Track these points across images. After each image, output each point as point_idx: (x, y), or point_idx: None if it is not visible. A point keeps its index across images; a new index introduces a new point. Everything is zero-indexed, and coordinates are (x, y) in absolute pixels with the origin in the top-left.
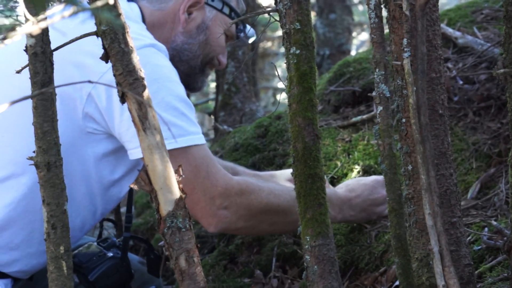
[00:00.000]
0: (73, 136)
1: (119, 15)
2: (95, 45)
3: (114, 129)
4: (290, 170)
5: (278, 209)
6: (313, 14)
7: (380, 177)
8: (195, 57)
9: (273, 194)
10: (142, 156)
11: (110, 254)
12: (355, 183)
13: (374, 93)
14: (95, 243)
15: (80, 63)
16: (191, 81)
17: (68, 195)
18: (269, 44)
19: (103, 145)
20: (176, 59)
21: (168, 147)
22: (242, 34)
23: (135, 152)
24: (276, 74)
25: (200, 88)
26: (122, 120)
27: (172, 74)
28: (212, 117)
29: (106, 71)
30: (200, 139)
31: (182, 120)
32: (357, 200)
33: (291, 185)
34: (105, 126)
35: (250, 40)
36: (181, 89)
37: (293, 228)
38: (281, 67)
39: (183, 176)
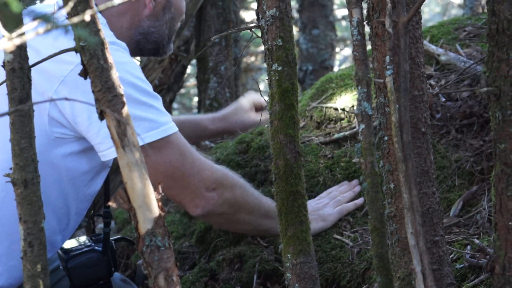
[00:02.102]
0: (41, 140)
1: (97, 31)
2: (54, 49)
3: (83, 132)
4: None
5: (254, 204)
6: (296, 30)
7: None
8: (162, 36)
9: (249, 190)
10: (116, 156)
11: (95, 247)
12: None
13: (356, 111)
14: (86, 237)
15: (41, 68)
16: (159, 51)
17: (42, 198)
18: (252, 59)
19: (73, 147)
20: (143, 41)
21: (148, 140)
22: None
23: (107, 153)
24: (258, 90)
25: (167, 53)
26: (90, 123)
27: (135, 70)
28: None
29: (67, 74)
30: (174, 127)
31: (152, 113)
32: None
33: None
34: (72, 129)
35: None
36: (146, 84)
37: (266, 232)
38: (264, 81)
39: (172, 164)
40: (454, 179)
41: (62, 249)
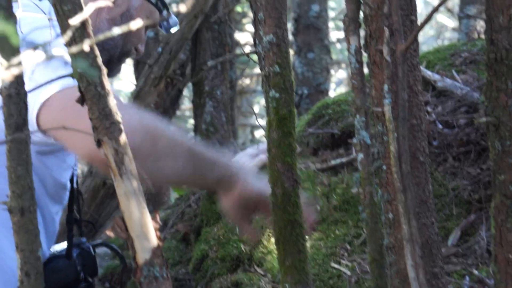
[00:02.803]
0: None
1: (95, 58)
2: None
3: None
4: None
5: (174, 133)
6: (291, 53)
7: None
8: (116, 46)
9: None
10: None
11: (62, 252)
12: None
13: (354, 140)
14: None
15: None
16: (109, 65)
17: None
18: (247, 81)
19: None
20: (99, 48)
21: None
22: (165, 23)
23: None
24: (253, 113)
25: (115, 75)
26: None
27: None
28: None
29: None
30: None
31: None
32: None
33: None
34: None
35: (173, 30)
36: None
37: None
38: (259, 103)
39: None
40: (451, 207)
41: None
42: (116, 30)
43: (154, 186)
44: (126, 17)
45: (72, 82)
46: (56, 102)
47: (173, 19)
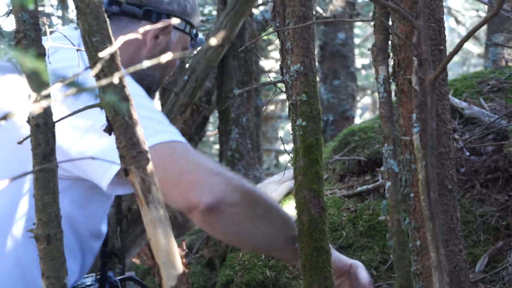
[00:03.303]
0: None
1: (123, 89)
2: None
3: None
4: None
5: (271, 203)
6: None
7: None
8: (155, 81)
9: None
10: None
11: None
12: None
13: (382, 168)
14: (92, 276)
15: None
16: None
17: None
18: (272, 107)
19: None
20: (138, 83)
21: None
22: (193, 43)
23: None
24: (280, 139)
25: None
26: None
27: (138, 89)
28: None
29: None
30: (179, 137)
31: (163, 126)
32: None
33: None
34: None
35: (199, 47)
36: (150, 102)
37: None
38: (284, 129)
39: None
40: (479, 234)
41: None
42: (146, 63)
43: (247, 248)
44: (165, 53)
45: (179, 138)
46: (163, 151)
47: (200, 38)
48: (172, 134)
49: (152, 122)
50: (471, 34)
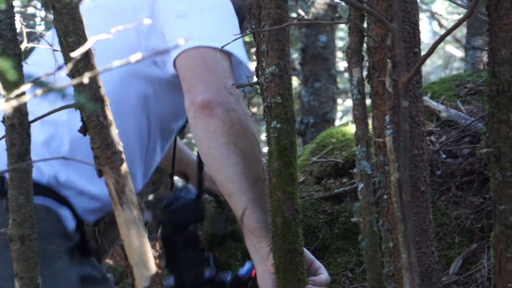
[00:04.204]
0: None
1: (98, 89)
2: None
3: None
4: None
5: (253, 146)
6: (298, 82)
7: None
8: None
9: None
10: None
11: (188, 195)
12: None
13: (355, 170)
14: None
15: None
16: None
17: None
18: (254, 109)
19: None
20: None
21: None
22: None
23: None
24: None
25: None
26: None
27: None
28: None
29: None
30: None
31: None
32: None
33: None
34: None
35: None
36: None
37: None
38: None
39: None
40: (453, 236)
41: (150, 201)
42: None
43: (212, 169)
44: None
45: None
46: (199, 55)
47: None
48: (211, 39)
49: (201, 22)
50: (443, 38)
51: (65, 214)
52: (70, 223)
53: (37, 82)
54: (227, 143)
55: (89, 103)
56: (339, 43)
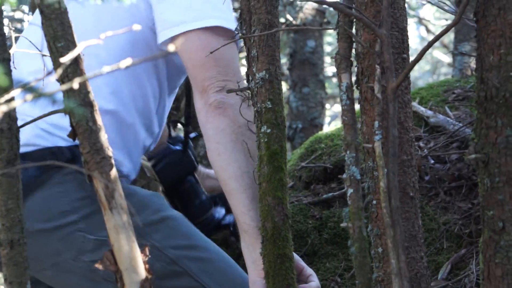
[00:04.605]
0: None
1: (87, 94)
2: None
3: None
4: None
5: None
6: (286, 87)
7: None
8: None
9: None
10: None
11: (176, 148)
12: None
13: (344, 175)
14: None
15: None
16: None
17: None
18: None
19: None
20: None
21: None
22: None
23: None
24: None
25: None
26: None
27: None
28: None
29: None
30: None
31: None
32: None
33: None
34: None
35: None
36: None
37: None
38: None
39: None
40: (442, 241)
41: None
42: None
43: (216, 167)
44: None
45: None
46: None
47: None
48: (221, 19)
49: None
50: (431, 44)
51: None
52: None
53: (26, 88)
54: (235, 141)
55: (79, 108)
56: (328, 48)
